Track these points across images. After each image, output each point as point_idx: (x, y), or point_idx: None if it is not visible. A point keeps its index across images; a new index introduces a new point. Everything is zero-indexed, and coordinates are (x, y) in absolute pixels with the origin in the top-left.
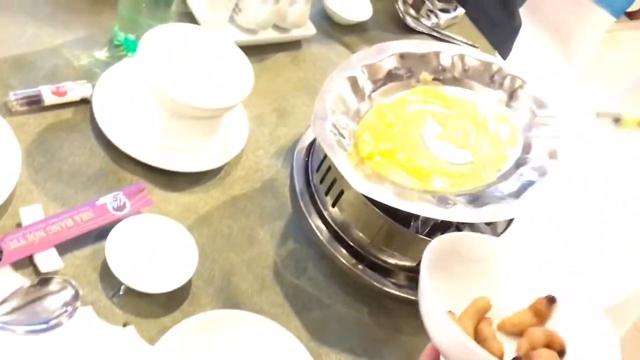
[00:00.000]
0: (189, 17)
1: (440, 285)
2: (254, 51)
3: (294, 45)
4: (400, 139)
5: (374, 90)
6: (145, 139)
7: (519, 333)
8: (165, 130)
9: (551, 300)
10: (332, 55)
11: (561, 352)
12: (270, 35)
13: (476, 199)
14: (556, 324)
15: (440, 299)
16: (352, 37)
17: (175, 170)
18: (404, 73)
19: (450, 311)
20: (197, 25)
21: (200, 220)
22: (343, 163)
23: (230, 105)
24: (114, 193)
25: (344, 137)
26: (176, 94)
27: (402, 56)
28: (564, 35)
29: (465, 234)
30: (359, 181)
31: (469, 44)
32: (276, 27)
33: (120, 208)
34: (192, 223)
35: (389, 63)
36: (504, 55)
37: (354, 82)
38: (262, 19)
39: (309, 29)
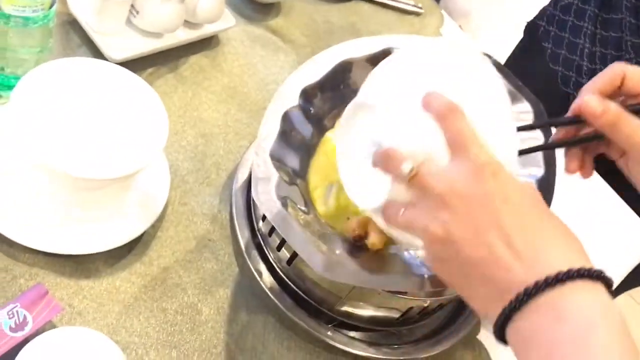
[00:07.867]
0: (74, 26)
1: None
2: (163, 58)
3: (210, 42)
4: None
5: (323, 117)
6: (36, 216)
7: None
8: (59, 206)
9: None
10: (257, 48)
11: None
12: (179, 36)
13: None
14: None
15: None
16: (278, 18)
17: (83, 254)
18: (352, 83)
19: None
20: (88, 59)
21: (127, 311)
22: (301, 243)
23: (137, 169)
24: (9, 306)
25: (295, 202)
26: (63, 165)
27: (347, 64)
28: None
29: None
30: (320, 263)
31: (411, 5)
32: (187, 23)
33: (20, 326)
34: (116, 318)
35: (333, 79)
36: None
37: (295, 115)
38: (166, 21)
39: (227, 21)
